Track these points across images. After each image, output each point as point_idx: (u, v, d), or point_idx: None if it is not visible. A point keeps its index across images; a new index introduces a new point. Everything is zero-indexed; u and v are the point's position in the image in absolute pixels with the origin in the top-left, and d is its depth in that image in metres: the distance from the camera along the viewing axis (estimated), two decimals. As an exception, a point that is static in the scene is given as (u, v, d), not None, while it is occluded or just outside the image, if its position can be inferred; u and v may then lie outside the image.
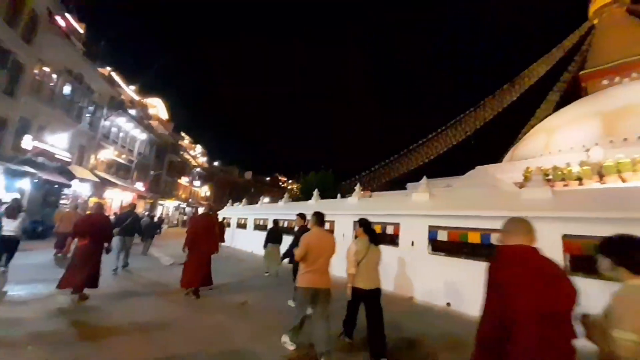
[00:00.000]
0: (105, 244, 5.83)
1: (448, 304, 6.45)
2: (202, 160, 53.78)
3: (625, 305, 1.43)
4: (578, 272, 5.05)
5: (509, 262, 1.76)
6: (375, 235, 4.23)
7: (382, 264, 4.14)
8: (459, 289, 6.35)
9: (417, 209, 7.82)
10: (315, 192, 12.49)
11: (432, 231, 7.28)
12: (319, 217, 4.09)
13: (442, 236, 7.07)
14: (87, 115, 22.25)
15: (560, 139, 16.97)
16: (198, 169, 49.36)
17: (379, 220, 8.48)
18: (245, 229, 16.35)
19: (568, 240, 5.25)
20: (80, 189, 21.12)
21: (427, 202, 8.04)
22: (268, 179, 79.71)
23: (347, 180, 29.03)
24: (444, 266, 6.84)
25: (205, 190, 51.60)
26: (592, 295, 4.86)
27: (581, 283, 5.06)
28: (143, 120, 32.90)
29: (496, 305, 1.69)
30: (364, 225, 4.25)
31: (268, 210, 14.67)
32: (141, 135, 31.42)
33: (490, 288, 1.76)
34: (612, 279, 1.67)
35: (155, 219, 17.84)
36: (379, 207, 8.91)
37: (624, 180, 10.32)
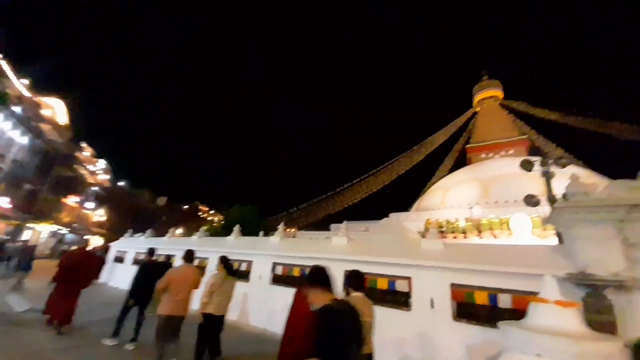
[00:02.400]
0: None
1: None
2: (104, 178, 45.62)
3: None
4: (462, 318, 5.79)
5: None
6: (232, 269, 5.46)
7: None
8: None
9: (336, 253, 8.00)
10: (236, 228, 11.70)
11: (347, 276, 7.46)
12: (189, 255, 5.16)
13: (356, 281, 7.30)
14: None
15: (452, 196, 20.52)
16: (95, 188, 41.40)
17: (300, 263, 8.34)
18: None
19: (455, 289, 6.03)
20: None
21: (345, 247, 8.33)
22: (186, 207, 71.85)
23: (272, 216, 28.44)
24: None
25: (100, 214, 42.98)
26: (470, 338, 5.56)
27: (464, 329, 5.77)
28: (29, 121, 26.74)
29: None
30: (223, 261, 5.37)
31: (176, 245, 12.91)
32: (21, 139, 25.22)
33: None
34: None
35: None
36: (300, 248, 8.80)
37: (495, 237, 12.86)
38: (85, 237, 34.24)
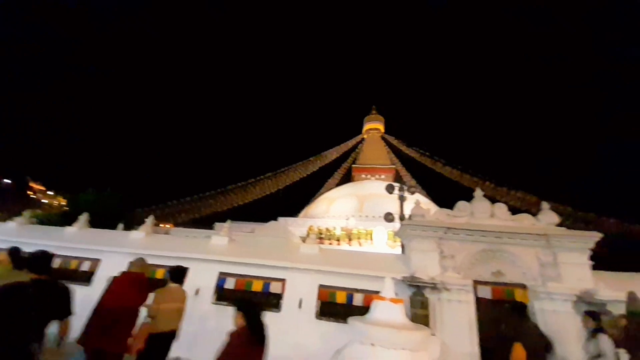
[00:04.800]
0: None
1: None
2: None
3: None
4: (324, 316, 6.43)
5: None
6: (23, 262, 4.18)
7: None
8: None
9: (214, 253, 7.48)
10: (84, 217, 9.28)
11: (222, 278, 7.08)
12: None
13: (230, 284, 7.02)
14: None
15: (335, 207, 22.90)
16: None
17: (167, 263, 7.32)
18: None
19: (322, 290, 6.65)
20: None
21: (225, 247, 7.91)
22: (8, 181, 52.27)
23: (143, 208, 24.10)
24: (227, 318, 6.63)
25: None
26: (329, 334, 6.19)
27: (325, 326, 6.38)
28: None
29: None
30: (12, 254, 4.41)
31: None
32: None
33: None
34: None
35: None
36: (169, 247, 7.78)
37: (360, 245, 15.09)
38: None
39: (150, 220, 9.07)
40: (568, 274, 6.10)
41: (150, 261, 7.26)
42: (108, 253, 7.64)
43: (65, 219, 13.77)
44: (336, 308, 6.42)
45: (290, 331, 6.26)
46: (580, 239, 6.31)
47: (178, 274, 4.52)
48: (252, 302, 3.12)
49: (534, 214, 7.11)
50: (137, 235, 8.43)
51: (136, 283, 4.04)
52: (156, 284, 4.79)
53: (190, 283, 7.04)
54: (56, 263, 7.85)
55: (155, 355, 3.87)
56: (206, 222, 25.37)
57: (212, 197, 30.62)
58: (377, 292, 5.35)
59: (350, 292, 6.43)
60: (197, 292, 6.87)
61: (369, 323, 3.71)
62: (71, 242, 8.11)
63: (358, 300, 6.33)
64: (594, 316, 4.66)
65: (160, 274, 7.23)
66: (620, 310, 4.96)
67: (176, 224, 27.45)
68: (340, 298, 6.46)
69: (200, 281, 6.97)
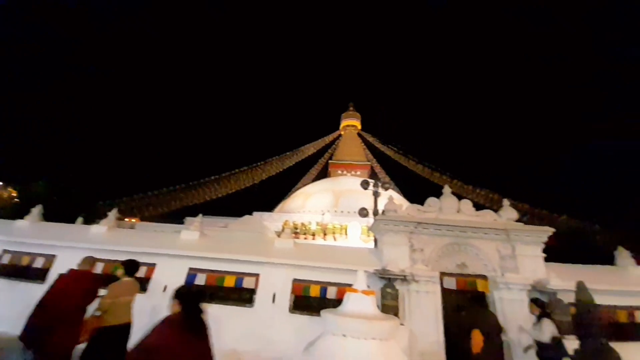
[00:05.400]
0: None
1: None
2: None
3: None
4: (297, 310, 6.45)
5: None
6: None
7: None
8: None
9: (184, 248, 7.20)
10: (36, 210, 8.51)
11: (192, 274, 6.85)
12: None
13: (201, 280, 6.81)
14: None
15: (311, 202, 22.93)
16: None
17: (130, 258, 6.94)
18: None
19: (296, 284, 6.66)
20: None
21: (195, 242, 7.64)
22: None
23: (106, 201, 22.52)
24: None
25: None
26: (303, 327, 6.19)
27: (298, 319, 6.39)
28: None
29: None
30: None
31: None
32: None
33: None
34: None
35: None
36: (134, 242, 7.36)
37: (335, 239, 15.27)
38: None
39: (113, 213, 8.52)
40: (524, 266, 6.61)
41: (113, 257, 6.89)
42: (64, 248, 7.08)
43: (16, 211, 12.54)
44: (310, 302, 6.46)
45: (264, 326, 6.22)
46: (536, 233, 6.84)
47: (131, 267, 4.58)
48: (191, 290, 3.11)
49: (496, 211, 7.59)
50: (98, 229, 7.89)
51: (82, 281, 4.06)
52: (111, 280, 4.68)
53: (157, 279, 6.76)
54: (6, 259, 7.16)
55: (105, 349, 3.80)
56: (176, 217, 24.26)
57: (182, 190, 29.31)
58: (350, 285, 5.45)
59: (324, 286, 6.50)
60: (164, 288, 6.59)
61: (341, 315, 3.78)
62: (22, 236, 7.42)
63: (332, 293, 6.42)
64: (539, 303, 5.15)
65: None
66: (569, 299, 5.45)
67: (143, 218, 26.01)
68: (314, 292, 6.51)
69: (169, 278, 6.70)
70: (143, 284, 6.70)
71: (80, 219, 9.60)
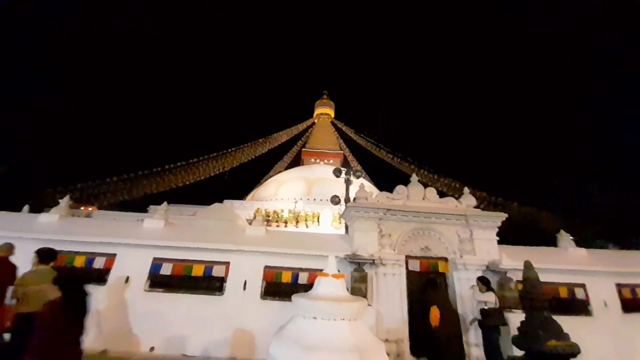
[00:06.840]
0: None
1: (152, 349, 5.76)
2: None
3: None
4: (268, 296, 6.48)
5: None
6: None
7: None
8: (172, 329, 5.94)
9: (144, 237, 6.84)
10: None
11: (157, 264, 6.56)
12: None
13: (167, 270, 6.55)
14: None
15: (284, 190, 22.78)
16: None
17: (87, 250, 6.48)
18: None
19: (267, 270, 6.66)
20: None
21: (159, 231, 7.28)
22: None
23: (57, 188, 20.56)
24: (162, 304, 6.21)
25: None
26: (274, 312, 6.26)
27: (270, 305, 6.42)
28: None
29: None
30: None
31: None
32: None
33: None
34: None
35: None
36: (90, 231, 6.84)
37: (307, 226, 15.40)
38: None
39: (65, 201, 7.81)
40: (480, 248, 7.18)
41: (67, 247, 6.37)
42: (8, 239, 6.37)
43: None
44: (281, 287, 6.52)
45: (235, 313, 6.19)
46: (491, 218, 7.43)
47: (47, 255, 4.60)
48: (72, 276, 3.81)
49: (457, 198, 8.10)
50: (48, 218, 7.20)
51: None
52: (66, 272, 4.84)
53: (118, 270, 6.39)
54: None
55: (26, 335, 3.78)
56: (140, 205, 22.83)
57: (146, 177, 27.54)
58: (322, 270, 5.56)
59: (295, 272, 6.57)
60: (127, 279, 6.26)
61: (312, 298, 3.85)
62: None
63: (303, 279, 6.51)
64: (484, 281, 5.86)
65: (79, 261, 6.39)
66: (518, 277, 6.05)
67: (101, 207, 24.18)
68: (286, 278, 6.56)
69: (130, 268, 6.37)
70: (102, 276, 6.33)
71: (26, 207, 8.68)
